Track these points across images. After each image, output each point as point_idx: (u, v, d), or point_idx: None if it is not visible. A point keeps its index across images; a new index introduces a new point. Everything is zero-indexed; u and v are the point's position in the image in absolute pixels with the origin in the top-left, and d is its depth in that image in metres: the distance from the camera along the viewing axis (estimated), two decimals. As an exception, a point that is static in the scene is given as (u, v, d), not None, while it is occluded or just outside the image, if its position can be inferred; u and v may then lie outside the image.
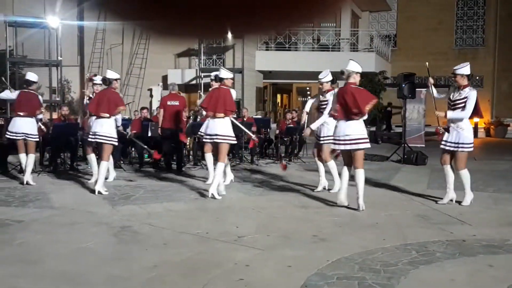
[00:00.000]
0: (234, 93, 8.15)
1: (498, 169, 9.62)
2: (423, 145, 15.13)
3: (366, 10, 24.63)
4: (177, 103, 9.36)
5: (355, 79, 6.04)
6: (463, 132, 6.22)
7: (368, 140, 6.12)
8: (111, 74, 7.36)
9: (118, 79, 7.45)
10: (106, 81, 7.33)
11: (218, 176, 6.64)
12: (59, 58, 15.54)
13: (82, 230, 5.14)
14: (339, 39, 21.16)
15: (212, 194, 6.56)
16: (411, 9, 25.17)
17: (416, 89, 12.86)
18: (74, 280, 3.69)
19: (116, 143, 7.27)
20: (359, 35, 21.39)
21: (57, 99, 16.12)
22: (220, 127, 6.71)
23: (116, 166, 9.62)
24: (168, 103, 9.38)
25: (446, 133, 6.36)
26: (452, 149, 6.30)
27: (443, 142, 6.39)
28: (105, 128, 7.01)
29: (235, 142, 7.17)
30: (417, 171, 9.72)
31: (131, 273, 3.82)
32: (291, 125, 11.60)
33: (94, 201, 6.54)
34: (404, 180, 8.55)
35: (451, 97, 6.37)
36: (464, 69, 6.27)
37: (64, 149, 9.50)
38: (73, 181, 8.13)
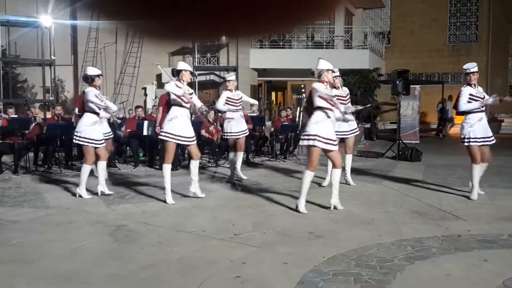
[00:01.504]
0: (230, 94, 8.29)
1: (492, 164, 9.56)
2: (418, 142, 15.20)
3: (359, 7, 24.64)
4: None
5: (327, 77, 5.85)
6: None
7: (317, 139, 5.63)
8: (92, 71, 6.89)
9: (100, 75, 6.90)
10: (88, 78, 6.74)
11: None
12: (53, 57, 15.48)
13: (78, 229, 5.13)
14: (333, 37, 21.16)
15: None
16: (404, 6, 25.20)
17: (410, 86, 12.91)
18: (70, 279, 3.68)
19: (93, 144, 6.59)
20: (353, 32, 21.40)
21: (51, 98, 16.07)
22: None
23: (111, 165, 9.59)
24: None
25: (481, 130, 6.47)
26: (492, 142, 6.62)
27: (483, 140, 6.50)
28: (81, 128, 6.61)
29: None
30: (412, 167, 9.75)
31: (128, 272, 3.81)
32: (286, 123, 11.62)
33: (89, 201, 6.53)
34: (399, 176, 8.58)
35: (474, 94, 6.54)
36: (476, 66, 6.68)
37: (58, 149, 9.46)
38: (67, 180, 8.09)
